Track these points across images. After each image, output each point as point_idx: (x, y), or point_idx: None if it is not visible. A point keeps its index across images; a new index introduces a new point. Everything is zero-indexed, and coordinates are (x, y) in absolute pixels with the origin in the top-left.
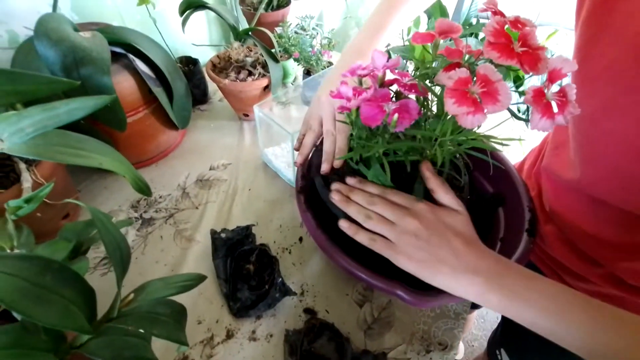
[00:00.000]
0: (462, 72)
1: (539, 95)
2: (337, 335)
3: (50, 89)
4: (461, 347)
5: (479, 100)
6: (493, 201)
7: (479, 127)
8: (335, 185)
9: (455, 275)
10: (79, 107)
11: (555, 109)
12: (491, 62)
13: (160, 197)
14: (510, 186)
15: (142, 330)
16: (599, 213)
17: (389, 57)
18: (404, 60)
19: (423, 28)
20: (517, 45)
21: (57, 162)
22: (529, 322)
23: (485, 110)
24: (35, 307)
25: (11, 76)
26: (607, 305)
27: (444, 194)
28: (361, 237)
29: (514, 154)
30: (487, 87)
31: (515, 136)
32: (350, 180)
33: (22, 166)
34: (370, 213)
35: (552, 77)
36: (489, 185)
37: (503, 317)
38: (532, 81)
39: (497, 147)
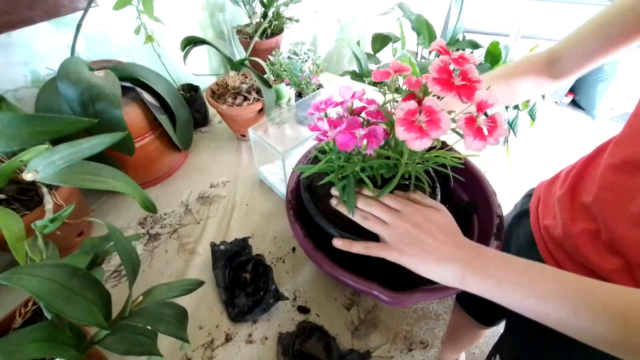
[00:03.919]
0: (411, 105)
1: (470, 121)
2: (326, 336)
3: (75, 127)
4: (462, 354)
5: (424, 127)
6: (467, 209)
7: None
8: (334, 192)
9: (439, 264)
10: (99, 142)
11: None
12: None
13: (165, 214)
14: (483, 195)
15: (149, 327)
16: None
17: None
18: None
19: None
20: (457, 80)
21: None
22: (505, 299)
23: (431, 134)
24: (65, 305)
25: (44, 119)
26: (580, 277)
27: (423, 199)
28: (357, 248)
29: (498, 166)
30: (431, 117)
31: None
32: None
33: (44, 190)
34: (367, 214)
35: (480, 107)
36: (465, 194)
37: (506, 325)
38: None
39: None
